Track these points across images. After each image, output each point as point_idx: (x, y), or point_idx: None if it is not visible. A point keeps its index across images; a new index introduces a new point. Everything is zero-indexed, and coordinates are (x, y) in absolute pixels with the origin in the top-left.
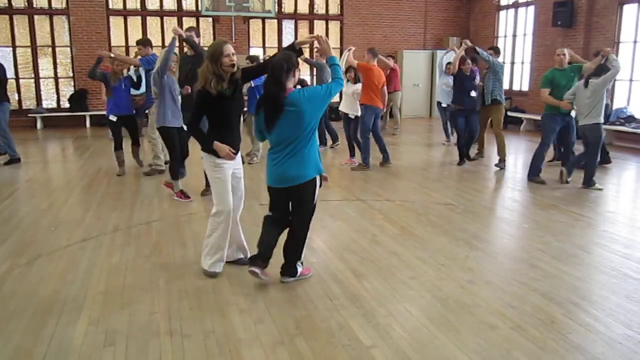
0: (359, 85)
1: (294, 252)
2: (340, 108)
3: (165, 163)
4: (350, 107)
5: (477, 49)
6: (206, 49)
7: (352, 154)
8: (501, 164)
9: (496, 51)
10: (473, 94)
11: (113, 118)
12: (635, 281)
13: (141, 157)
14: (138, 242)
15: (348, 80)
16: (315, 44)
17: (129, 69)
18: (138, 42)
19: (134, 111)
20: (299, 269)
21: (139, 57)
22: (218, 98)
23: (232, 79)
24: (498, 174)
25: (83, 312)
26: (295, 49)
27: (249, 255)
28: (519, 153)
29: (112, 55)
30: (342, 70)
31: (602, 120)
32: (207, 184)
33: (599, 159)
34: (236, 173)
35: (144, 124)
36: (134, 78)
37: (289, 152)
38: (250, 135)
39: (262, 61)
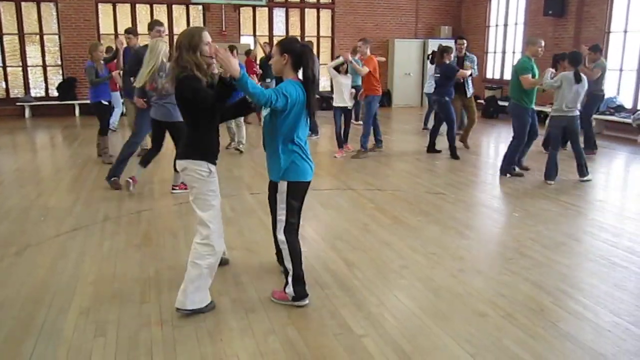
0: (349, 78)
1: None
2: (337, 103)
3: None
4: (347, 99)
5: (472, 68)
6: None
7: (341, 145)
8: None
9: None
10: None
11: (105, 102)
12: (624, 269)
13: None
14: (128, 232)
15: (340, 72)
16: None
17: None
18: (127, 31)
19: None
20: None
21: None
22: (208, 87)
23: (209, 70)
24: (489, 164)
25: (73, 302)
26: (248, 105)
27: (225, 255)
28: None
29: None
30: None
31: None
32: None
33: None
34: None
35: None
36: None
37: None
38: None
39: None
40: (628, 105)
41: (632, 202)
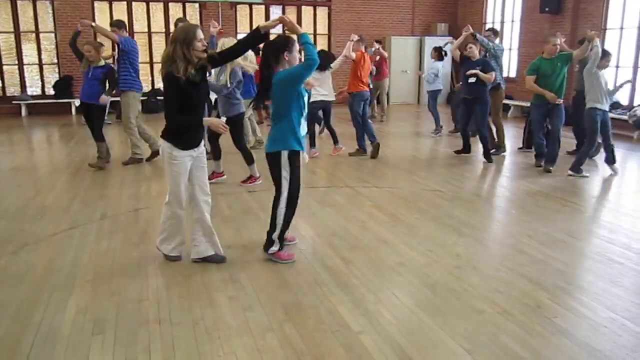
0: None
1: (269, 223)
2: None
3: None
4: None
5: (477, 35)
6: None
7: (336, 142)
8: (499, 151)
9: (495, 33)
10: (471, 80)
11: (76, 102)
12: (620, 266)
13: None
14: (126, 230)
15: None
16: (281, 25)
17: (113, 60)
18: (112, 24)
19: (95, 102)
20: (274, 248)
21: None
22: (187, 84)
23: (199, 64)
24: (487, 162)
25: (71, 300)
26: (260, 34)
27: (221, 253)
28: (506, 140)
29: (93, 24)
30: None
31: (595, 105)
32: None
33: (594, 147)
34: (198, 162)
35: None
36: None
37: (273, 124)
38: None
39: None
40: (624, 102)
41: (628, 199)
